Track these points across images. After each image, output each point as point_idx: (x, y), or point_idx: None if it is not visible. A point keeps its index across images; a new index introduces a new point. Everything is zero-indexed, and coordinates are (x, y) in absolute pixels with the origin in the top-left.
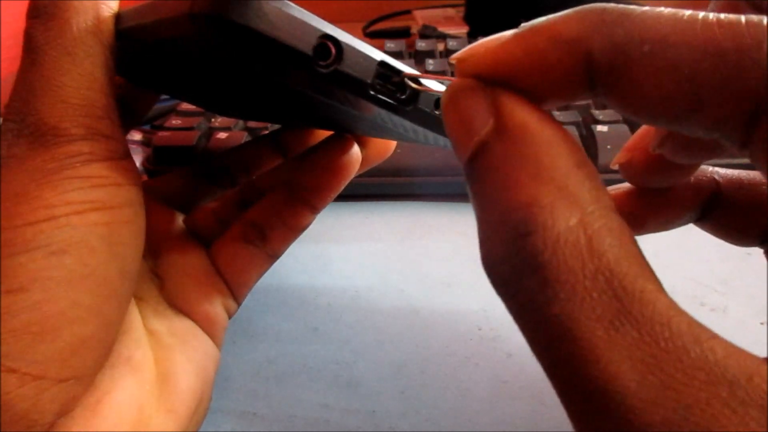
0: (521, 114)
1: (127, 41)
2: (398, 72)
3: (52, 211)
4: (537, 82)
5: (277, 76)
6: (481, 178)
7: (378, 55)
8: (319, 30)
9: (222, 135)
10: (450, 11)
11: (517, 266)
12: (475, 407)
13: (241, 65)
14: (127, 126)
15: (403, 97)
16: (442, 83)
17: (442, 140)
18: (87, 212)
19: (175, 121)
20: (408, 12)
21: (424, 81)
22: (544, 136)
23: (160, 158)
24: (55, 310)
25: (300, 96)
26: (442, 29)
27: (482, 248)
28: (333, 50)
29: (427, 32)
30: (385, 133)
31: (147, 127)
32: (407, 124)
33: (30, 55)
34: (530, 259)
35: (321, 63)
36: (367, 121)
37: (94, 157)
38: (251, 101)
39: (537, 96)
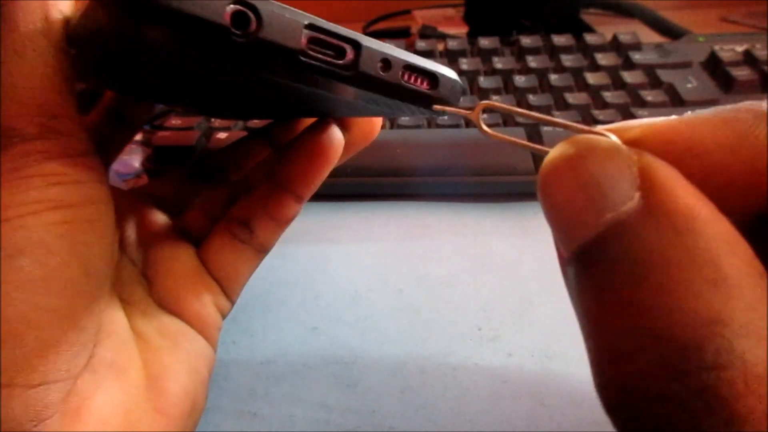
0: (685, 195)
1: (81, 46)
2: (330, 33)
3: (5, 213)
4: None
5: (200, 56)
6: (611, 270)
7: (305, 18)
8: None
9: (222, 135)
10: (450, 11)
11: (691, 409)
12: (475, 407)
13: (169, 53)
14: (124, 134)
15: (342, 62)
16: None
17: (407, 108)
18: (43, 212)
19: (175, 121)
20: (408, 12)
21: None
22: (717, 231)
23: (160, 158)
24: (15, 315)
25: (256, 84)
26: (441, 29)
27: (606, 369)
28: (252, 18)
29: (427, 32)
30: (358, 110)
31: (147, 127)
32: (360, 92)
33: None
34: (718, 405)
35: (239, 32)
36: (330, 99)
37: (51, 155)
38: (218, 98)
39: (702, 183)
